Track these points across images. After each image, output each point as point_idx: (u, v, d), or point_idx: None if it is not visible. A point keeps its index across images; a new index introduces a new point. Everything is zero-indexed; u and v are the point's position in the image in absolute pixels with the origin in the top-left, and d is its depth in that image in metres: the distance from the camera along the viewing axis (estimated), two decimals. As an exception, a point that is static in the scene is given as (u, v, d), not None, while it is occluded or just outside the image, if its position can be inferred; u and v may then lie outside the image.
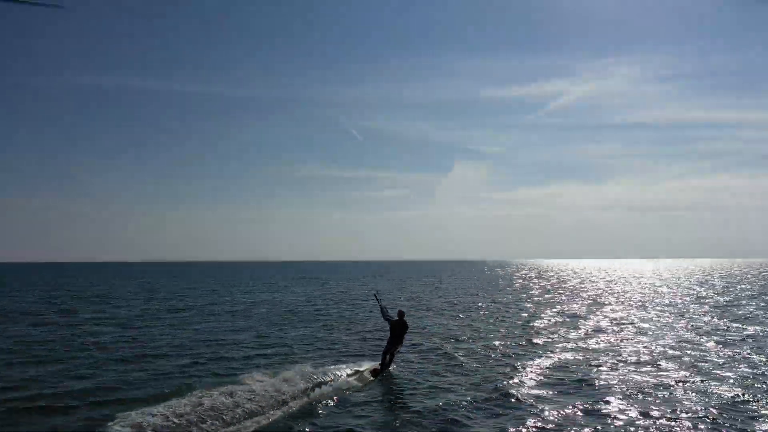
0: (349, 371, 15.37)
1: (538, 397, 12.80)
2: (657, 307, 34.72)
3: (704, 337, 21.88)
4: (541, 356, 17.89)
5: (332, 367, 15.67)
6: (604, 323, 26.72)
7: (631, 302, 38.94)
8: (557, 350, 19.12)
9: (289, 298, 44.10)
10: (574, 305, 36.69)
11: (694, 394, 13.03)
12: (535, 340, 21.22)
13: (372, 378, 15.02)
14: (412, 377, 15.23)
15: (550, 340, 21.51)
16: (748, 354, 18.07)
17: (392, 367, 15.92)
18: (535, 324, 26.41)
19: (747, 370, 15.69)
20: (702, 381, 14.26)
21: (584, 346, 20.02)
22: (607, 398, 12.68)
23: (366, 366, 15.91)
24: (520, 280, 75.11)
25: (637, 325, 25.67)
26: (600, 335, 22.63)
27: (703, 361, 16.92)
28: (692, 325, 25.37)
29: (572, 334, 22.90)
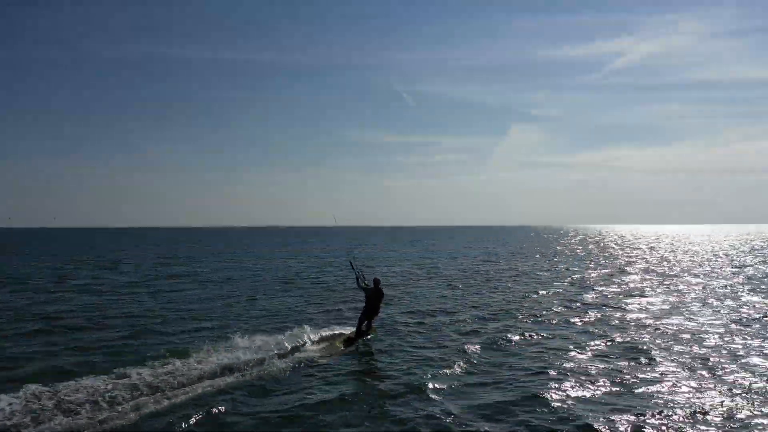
0: (317, 339, 14.49)
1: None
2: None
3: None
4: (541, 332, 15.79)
5: (301, 334, 14.51)
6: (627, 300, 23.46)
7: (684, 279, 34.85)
8: (555, 326, 16.73)
9: (301, 265, 42.34)
10: (596, 274, 33.21)
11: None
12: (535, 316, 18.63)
13: (343, 348, 14.06)
14: (389, 349, 13.89)
15: (551, 313, 18.87)
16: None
17: (369, 336, 14.95)
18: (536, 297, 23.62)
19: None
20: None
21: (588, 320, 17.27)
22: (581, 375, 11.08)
23: (339, 333, 15.14)
24: (563, 247, 71.03)
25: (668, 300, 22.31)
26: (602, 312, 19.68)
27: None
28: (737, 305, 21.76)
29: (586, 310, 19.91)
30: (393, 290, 24.58)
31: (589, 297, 23.13)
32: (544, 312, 19.15)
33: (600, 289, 25.72)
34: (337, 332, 15.21)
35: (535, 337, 15.15)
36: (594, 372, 11.66)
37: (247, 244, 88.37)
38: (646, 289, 25.63)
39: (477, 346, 13.93)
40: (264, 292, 25.18)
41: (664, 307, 20.17)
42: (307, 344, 13.97)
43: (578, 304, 20.97)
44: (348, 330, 15.33)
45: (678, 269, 36.37)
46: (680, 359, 12.58)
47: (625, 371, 11.68)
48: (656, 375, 11.39)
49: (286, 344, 13.50)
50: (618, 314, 18.72)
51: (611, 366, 12.11)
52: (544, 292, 24.50)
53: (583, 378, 11.14)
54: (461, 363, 12.28)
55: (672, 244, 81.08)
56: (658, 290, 25.04)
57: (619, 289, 25.62)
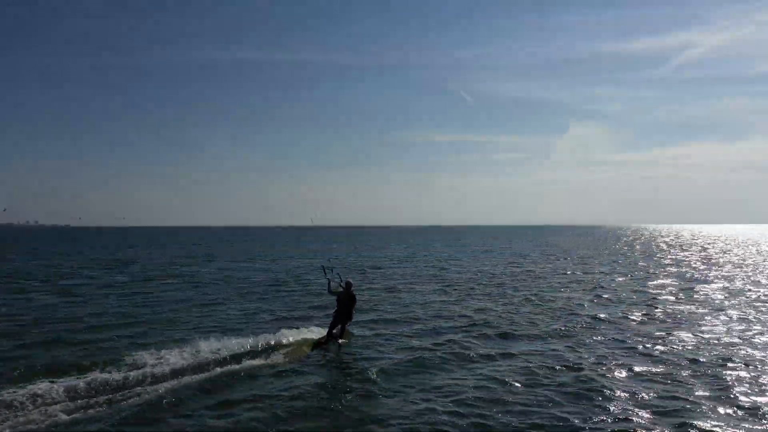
0: (284, 342, 13.83)
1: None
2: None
3: None
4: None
5: (268, 338, 14.02)
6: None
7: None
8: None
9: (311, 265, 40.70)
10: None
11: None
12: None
13: (311, 352, 13.52)
14: (362, 357, 13.14)
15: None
16: None
17: (341, 341, 14.27)
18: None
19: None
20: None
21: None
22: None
23: (308, 338, 14.35)
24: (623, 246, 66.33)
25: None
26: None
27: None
28: None
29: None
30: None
31: (586, 306, 20.19)
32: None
33: (602, 300, 22.48)
34: (307, 336, 14.45)
35: (472, 354, 13.26)
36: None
37: (288, 244, 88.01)
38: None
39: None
40: (248, 294, 24.08)
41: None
42: (270, 348, 13.38)
43: (560, 315, 18.15)
44: (319, 334, 14.61)
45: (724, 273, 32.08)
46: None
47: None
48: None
49: (246, 347, 13.14)
50: (617, 332, 15.75)
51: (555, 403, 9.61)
52: (539, 300, 21.78)
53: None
54: (412, 375, 11.61)
55: (730, 244, 74.12)
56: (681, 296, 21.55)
57: (639, 300, 22.30)
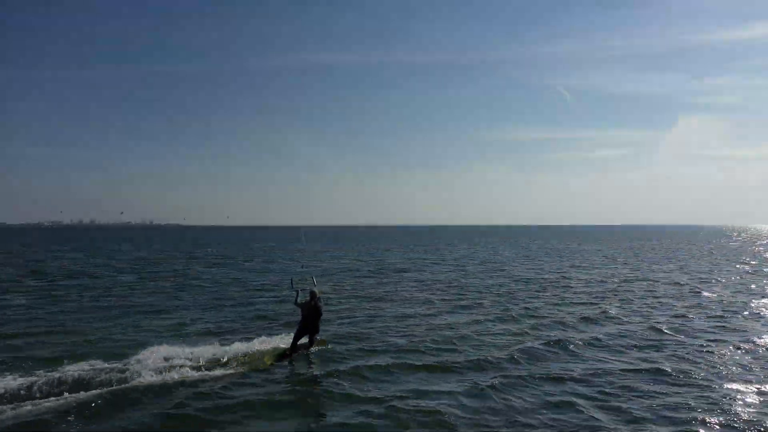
0: (245, 352, 13.22)
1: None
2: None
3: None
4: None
5: (231, 346, 13.61)
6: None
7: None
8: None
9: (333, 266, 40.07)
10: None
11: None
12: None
13: (272, 363, 12.84)
14: (329, 372, 12.16)
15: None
16: None
17: (312, 349, 13.73)
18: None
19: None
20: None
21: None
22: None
23: (275, 347, 13.77)
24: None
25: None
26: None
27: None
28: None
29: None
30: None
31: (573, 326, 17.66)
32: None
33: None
34: (271, 346, 13.85)
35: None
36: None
37: (360, 243, 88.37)
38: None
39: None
40: (231, 299, 23.36)
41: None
42: (226, 358, 12.77)
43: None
44: (287, 345, 13.89)
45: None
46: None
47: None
48: None
49: (206, 356, 12.70)
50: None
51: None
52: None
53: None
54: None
55: None
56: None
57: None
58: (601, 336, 15.68)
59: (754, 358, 13.28)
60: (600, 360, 13.25)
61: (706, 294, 24.51)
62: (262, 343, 14.06)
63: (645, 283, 29.28)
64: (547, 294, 24.86)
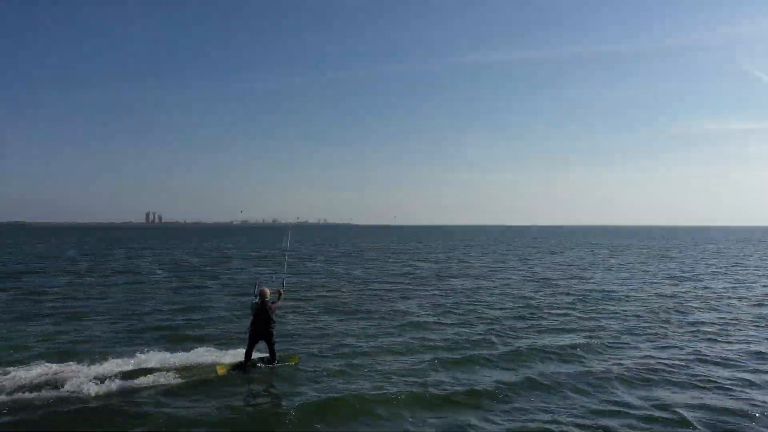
0: (194, 362, 12.03)
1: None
2: None
3: None
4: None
5: (180, 355, 12.41)
6: None
7: None
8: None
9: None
10: None
11: None
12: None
13: (216, 375, 11.38)
14: (280, 398, 10.49)
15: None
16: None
17: (276, 364, 11.97)
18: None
19: None
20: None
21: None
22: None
23: (225, 359, 12.34)
24: None
25: None
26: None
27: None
28: None
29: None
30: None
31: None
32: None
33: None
34: (231, 356, 12.49)
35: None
36: None
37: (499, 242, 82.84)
38: None
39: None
40: (201, 304, 20.91)
41: None
42: (177, 368, 11.62)
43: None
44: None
45: None
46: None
47: None
48: None
49: (150, 364, 11.70)
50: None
51: None
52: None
53: None
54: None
55: None
56: None
57: None
58: None
59: None
60: None
61: None
62: (220, 355, 12.64)
63: None
64: None
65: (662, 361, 12.79)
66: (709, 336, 15.60)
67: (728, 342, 14.92)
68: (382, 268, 38.61)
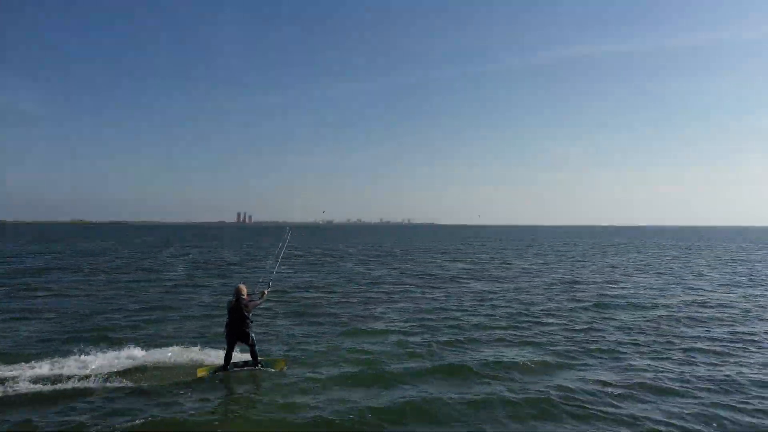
0: (171, 363, 11.71)
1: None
2: None
3: None
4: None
5: (158, 355, 12.08)
6: None
7: None
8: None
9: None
10: None
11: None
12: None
13: (196, 377, 10.92)
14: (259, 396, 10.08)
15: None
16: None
17: (258, 367, 11.36)
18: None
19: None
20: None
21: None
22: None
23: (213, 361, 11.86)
24: None
25: None
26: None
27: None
28: None
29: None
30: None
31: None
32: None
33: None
34: (213, 358, 12.04)
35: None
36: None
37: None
38: None
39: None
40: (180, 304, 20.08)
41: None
42: (154, 368, 11.36)
43: None
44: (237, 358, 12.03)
45: None
46: None
47: None
48: None
49: (127, 364, 11.45)
50: None
51: None
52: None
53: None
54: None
55: None
56: None
57: None
58: None
59: None
60: None
61: None
62: (199, 355, 12.23)
63: None
64: None
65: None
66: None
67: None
68: (406, 268, 36.66)
